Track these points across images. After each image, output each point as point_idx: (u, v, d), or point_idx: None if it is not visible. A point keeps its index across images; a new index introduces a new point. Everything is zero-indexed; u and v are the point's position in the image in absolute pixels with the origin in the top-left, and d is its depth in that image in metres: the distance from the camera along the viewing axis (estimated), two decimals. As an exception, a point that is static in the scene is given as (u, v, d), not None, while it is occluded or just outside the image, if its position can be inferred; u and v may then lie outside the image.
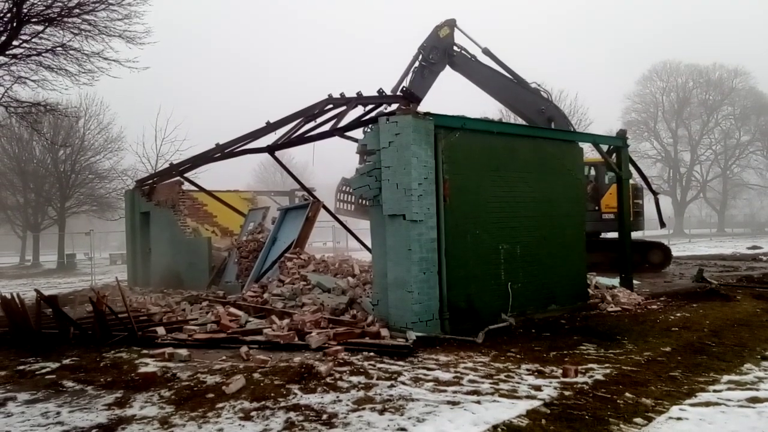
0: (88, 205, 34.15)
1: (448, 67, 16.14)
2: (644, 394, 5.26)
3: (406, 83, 15.03)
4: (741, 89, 56.36)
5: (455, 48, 15.69)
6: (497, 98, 16.40)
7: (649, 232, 36.88)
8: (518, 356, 6.83)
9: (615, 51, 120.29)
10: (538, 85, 15.97)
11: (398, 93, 12.95)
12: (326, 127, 11.69)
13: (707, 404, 4.96)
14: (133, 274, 17.33)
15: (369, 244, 9.57)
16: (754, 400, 5.06)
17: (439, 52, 15.45)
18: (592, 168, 17.59)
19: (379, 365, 6.43)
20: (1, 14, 12.54)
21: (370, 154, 8.53)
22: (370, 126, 8.75)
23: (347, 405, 5.06)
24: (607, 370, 6.07)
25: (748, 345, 7.25)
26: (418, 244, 8.01)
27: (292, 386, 5.60)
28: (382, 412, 4.87)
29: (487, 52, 15.73)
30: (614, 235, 16.35)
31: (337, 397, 5.29)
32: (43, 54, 13.43)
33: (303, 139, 11.71)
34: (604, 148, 11.86)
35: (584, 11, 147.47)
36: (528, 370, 6.16)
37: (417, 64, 15.43)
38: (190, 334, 8.34)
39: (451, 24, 15.84)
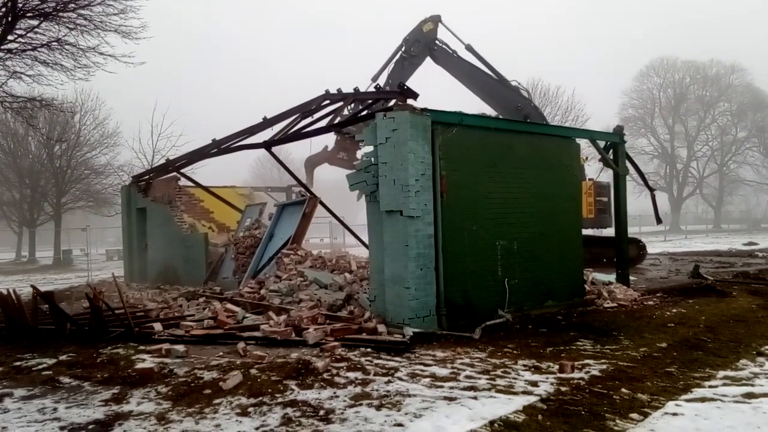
0: (84, 201, 34.04)
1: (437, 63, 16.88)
2: (640, 389, 5.28)
3: (386, 72, 15.81)
4: (738, 85, 56.45)
5: (437, 42, 16.57)
6: (475, 92, 16.95)
7: (645, 228, 37.09)
8: (515, 352, 6.85)
9: (612, 47, 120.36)
10: (519, 84, 16.72)
11: (388, 86, 13.13)
12: (323, 123, 11.68)
13: (703, 399, 4.99)
14: (129, 270, 17.30)
15: (366, 240, 9.57)
16: (750, 395, 5.08)
17: (421, 45, 16.37)
18: None
19: (376, 361, 6.44)
20: (-3, 9, 12.48)
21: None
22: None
23: (344, 401, 5.07)
24: (604, 366, 6.09)
25: (743, 341, 7.28)
26: (415, 240, 8.01)
27: (289, 382, 5.61)
28: (379, 407, 4.88)
29: (469, 48, 16.47)
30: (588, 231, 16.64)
31: (334, 392, 5.29)
32: (39, 49, 13.38)
33: (300, 135, 11.69)
34: (601, 144, 11.86)
35: (583, 9, 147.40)
36: (525, 365, 6.18)
37: (399, 55, 16.31)
38: (187, 330, 8.36)
39: (435, 20, 16.58)
